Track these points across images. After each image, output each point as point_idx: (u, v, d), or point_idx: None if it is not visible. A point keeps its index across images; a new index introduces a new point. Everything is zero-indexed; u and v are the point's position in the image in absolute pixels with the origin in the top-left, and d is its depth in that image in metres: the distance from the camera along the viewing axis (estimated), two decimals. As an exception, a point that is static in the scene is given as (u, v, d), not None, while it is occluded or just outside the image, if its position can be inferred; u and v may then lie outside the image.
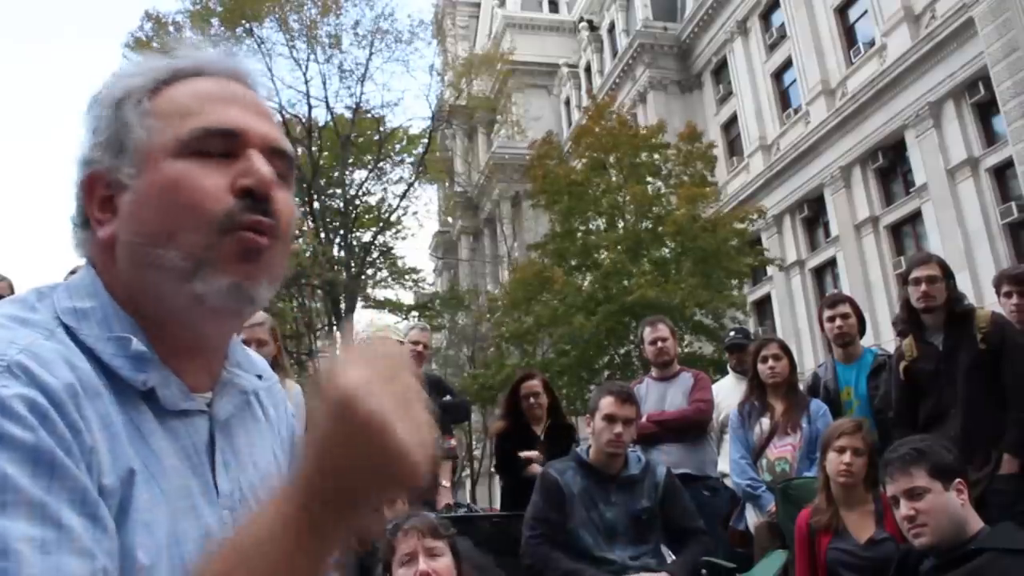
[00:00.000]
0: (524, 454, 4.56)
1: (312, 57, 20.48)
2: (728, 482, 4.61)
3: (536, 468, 3.97)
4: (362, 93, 21.29)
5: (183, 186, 0.73)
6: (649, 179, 18.30)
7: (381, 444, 0.59)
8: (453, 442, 4.40)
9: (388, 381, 0.61)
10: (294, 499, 0.61)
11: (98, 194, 0.76)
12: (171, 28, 19.53)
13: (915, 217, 19.40)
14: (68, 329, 0.71)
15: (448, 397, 5.38)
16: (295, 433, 0.94)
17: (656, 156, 18.54)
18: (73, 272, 4.33)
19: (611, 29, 31.87)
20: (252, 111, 0.79)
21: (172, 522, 0.70)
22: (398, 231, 22.62)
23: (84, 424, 0.63)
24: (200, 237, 0.72)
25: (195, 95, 0.77)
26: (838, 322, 4.37)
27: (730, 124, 26.59)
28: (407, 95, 55.10)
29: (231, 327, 0.81)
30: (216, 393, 0.80)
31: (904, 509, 2.40)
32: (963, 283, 4.14)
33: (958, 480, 2.40)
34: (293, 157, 0.82)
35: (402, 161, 22.91)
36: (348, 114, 21.25)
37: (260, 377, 0.87)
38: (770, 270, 23.10)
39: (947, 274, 3.77)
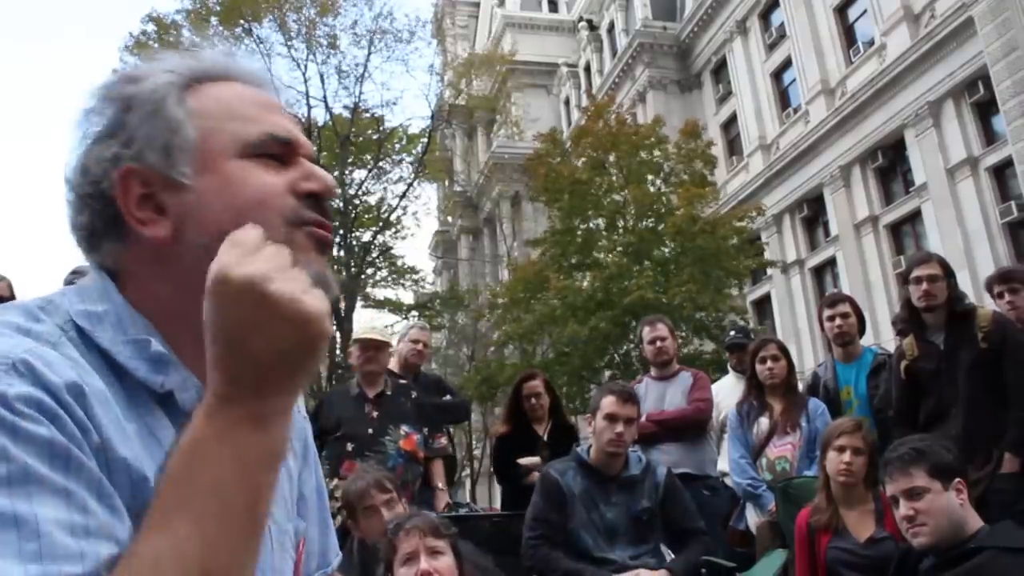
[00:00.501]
0: (523, 461, 4.56)
1: (311, 57, 20.49)
2: (728, 481, 4.62)
3: (536, 476, 3.98)
4: (361, 93, 21.30)
5: (250, 183, 0.74)
6: (650, 177, 18.28)
7: (294, 316, 0.60)
8: (444, 441, 4.40)
9: (269, 259, 0.63)
10: (220, 397, 0.62)
11: (133, 193, 0.74)
12: (171, 29, 19.51)
13: (915, 216, 19.41)
14: (81, 332, 0.70)
15: (448, 397, 5.39)
16: (308, 439, 0.93)
17: (656, 153, 18.52)
18: (75, 272, 4.30)
19: (610, 29, 31.87)
20: (296, 124, 0.81)
21: None
22: (397, 231, 22.63)
23: (92, 423, 0.63)
24: (272, 231, 0.72)
25: (242, 99, 0.79)
26: (838, 321, 4.39)
27: (730, 123, 26.60)
28: (407, 95, 55.23)
29: None
30: None
31: (903, 509, 2.41)
32: (963, 282, 4.17)
33: (957, 480, 2.40)
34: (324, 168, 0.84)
35: (401, 161, 22.91)
36: (347, 114, 21.24)
37: None
38: (770, 269, 23.12)
39: (948, 273, 3.78)
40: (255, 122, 0.77)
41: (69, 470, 0.59)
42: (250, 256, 0.62)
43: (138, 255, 0.75)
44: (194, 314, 0.72)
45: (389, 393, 4.27)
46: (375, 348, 4.30)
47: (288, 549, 0.85)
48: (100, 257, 0.77)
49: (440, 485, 4.35)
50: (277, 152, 0.77)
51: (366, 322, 17.72)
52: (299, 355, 0.62)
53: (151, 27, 19.43)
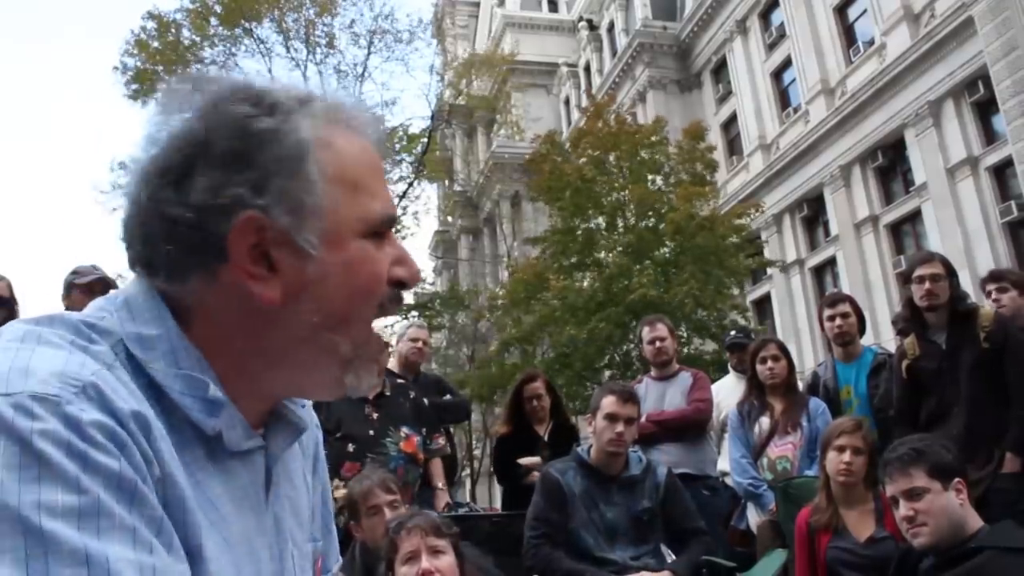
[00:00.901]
0: (524, 461, 4.56)
1: (311, 57, 20.49)
2: (728, 481, 4.62)
3: (536, 476, 3.98)
4: (361, 93, 21.28)
5: (369, 273, 0.71)
6: (650, 176, 18.28)
7: None
8: (442, 441, 4.40)
9: None
10: None
11: (249, 241, 0.68)
12: (171, 28, 19.49)
13: (915, 216, 19.41)
14: (132, 358, 0.67)
15: (448, 396, 5.38)
16: (319, 449, 0.93)
17: (657, 155, 18.52)
18: (76, 273, 4.27)
19: (610, 28, 31.87)
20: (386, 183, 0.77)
21: (236, 571, 0.69)
22: (398, 231, 22.62)
23: (156, 456, 0.62)
24: (365, 327, 0.72)
25: (366, 165, 0.74)
26: (838, 321, 4.39)
27: (730, 123, 26.60)
28: (406, 94, 55.33)
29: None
30: (270, 428, 0.77)
31: (903, 509, 2.41)
32: (963, 282, 4.17)
33: (957, 480, 2.40)
34: None
35: (401, 160, 22.90)
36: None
37: (303, 407, 0.86)
38: (770, 269, 23.11)
39: (950, 272, 3.78)
40: (377, 197, 0.73)
41: (134, 505, 0.58)
42: None
43: (220, 301, 0.70)
44: (260, 374, 0.72)
45: (388, 394, 4.27)
46: None
47: (308, 571, 0.85)
48: (175, 288, 0.70)
49: (440, 485, 4.35)
50: (383, 231, 0.74)
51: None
52: None
53: (151, 24, 19.40)
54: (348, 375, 0.72)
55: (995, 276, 4.47)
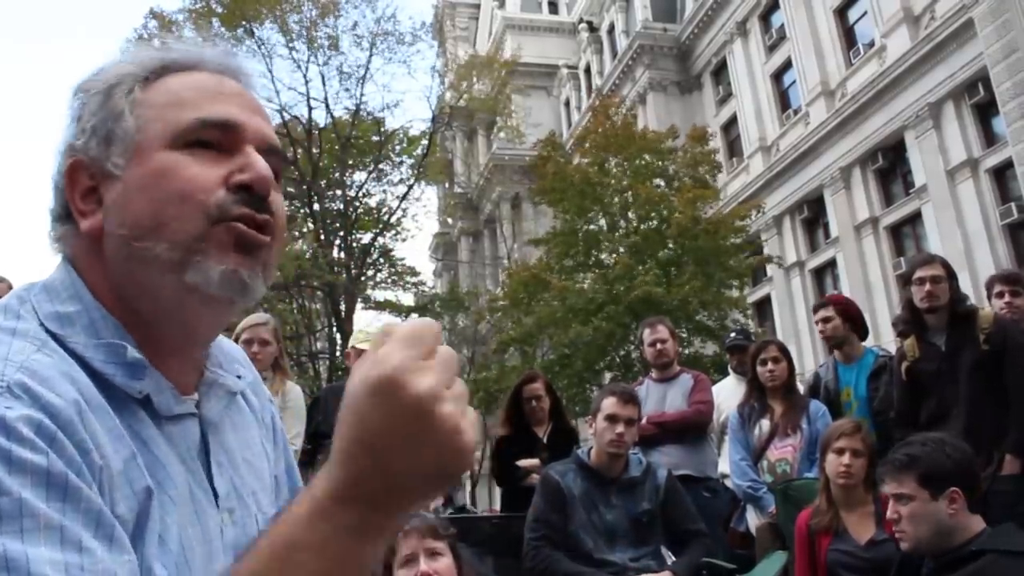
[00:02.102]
0: (523, 463, 4.55)
1: (312, 59, 20.50)
2: (728, 483, 4.61)
3: (535, 478, 3.96)
4: (362, 95, 21.32)
5: (174, 176, 0.71)
6: (658, 181, 18.29)
7: (452, 445, 0.55)
8: None
9: (444, 371, 0.56)
10: (337, 499, 0.56)
11: (81, 184, 0.74)
12: (173, 28, 19.49)
13: (915, 218, 19.41)
14: (54, 336, 0.68)
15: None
16: (276, 420, 0.93)
17: (666, 161, 18.52)
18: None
19: (611, 30, 31.88)
20: (248, 107, 0.78)
21: (181, 530, 0.68)
22: (398, 232, 22.63)
23: (93, 442, 0.61)
24: (191, 227, 0.70)
25: (190, 87, 0.76)
26: (820, 326, 4.45)
27: (730, 125, 26.60)
28: (407, 96, 55.39)
29: (223, 319, 0.79)
30: (202, 394, 0.78)
31: (890, 511, 2.44)
32: (963, 284, 4.17)
33: (952, 489, 2.34)
34: (285, 156, 0.82)
35: (402, 163, 22.92)
36: (347, 116, 21.24)
37: (240, 377, 0.86)
38: (770, 271, 23.10)
39: (950, 274, 3.79)
40: (192, 108, 0.74)
41: (66, 501, 0.57)
42: (422, 361, 0.55)
43: (82, 248, 0.74)
44: (139, 311, 0.73)
45: None
46: None
47: None
48: (58, 245, 0.76)
49: None
50: (214, 139, 0.74)
51: (365, 324, 17.72)
52: (436, 481, 0.57)
53: (153, 23, 19.41)
54: (186, 274, 0.70)
55: (1011, 279, 4.40)
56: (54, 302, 0.71)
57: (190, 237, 0.70)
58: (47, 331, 0.68)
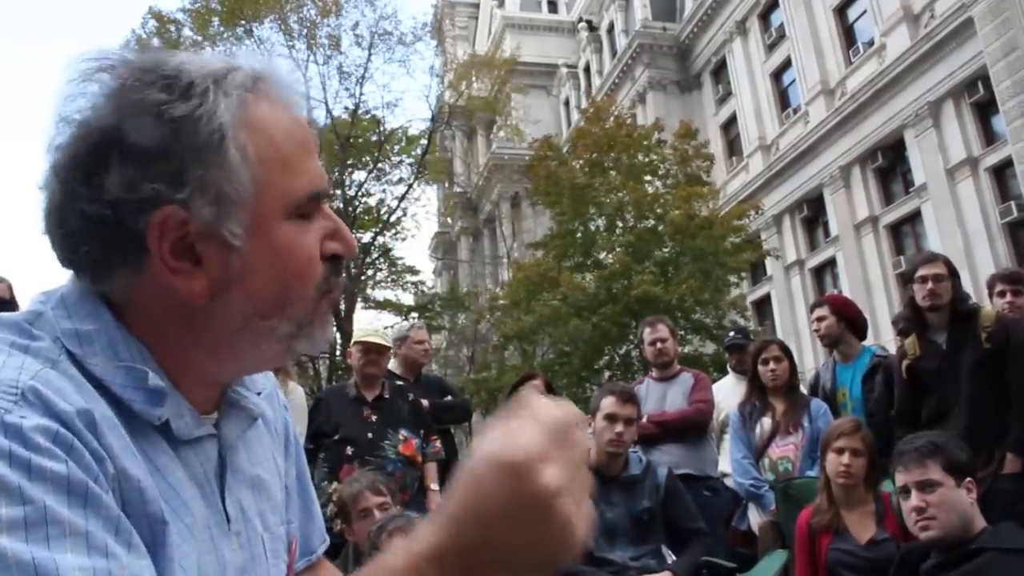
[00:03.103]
0: None
1: (311, 58, 20.49)
2: (729, 482, 4.61)
3: None
4: (361, 94, 21.30)
5: (296, 255, 0.70)
6: (648, 178, 18.29)
7: (562, 539, 0.55)
8: (438, 444, 4.40)
9: (571, 467, 0.55)
10: (436, 561, 0.55)
11: (170, 236, 0.66)
12: (171, 26, 19.48)
13: (915, 217, 19.41)
14: (71, 355, 0.65)
15: (449, 398, 5.37)
16: (289, 429, 0.91)
17: (654, 156, 18.53)
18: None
19: (610, 29, 31.87)
20: (317, 153, 0.74)
21: (199, 557, 0.68)
22: (397, 232, 22.63)
23: (107, 452, 0.61)
24: (308, 305, 0.71)
25: (286, 137, 0.70)
26: (815, 325, 4.47)
27: (729, 124, 26.59)
28: (407, 96, 55.30)
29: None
30: (222, 414, 0.76)
31: (914, 500, 2.41)
32: (963, 283, 4.18)
33: (968, 479, 2.42)
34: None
35: (401, 162, 22.91)
36: (347, 116, 21.24)
37: (259, 393, 0.84)
38: (770, 270, 23.10)
39: (952, 273, 3.79)
40: (302, 174, 0.70)
41: (87, 508, 0.56)
42: (554, 452, 0.54)
43: (148, 295, 0.68)
44: (202, 363, 0.71)
45: (387, 396, 4.26)
46: (377, 351, 4.28)
47: (281, 555, 0.83)
48: (102, 287, 0.69)
49: (434, 487, 4.34)
50: (311, 209, 0.71)
51: (366, 323, 17.72)
52: (537, 566, 0.57)
53: (153, 23, 19.39)
54: (297, 344, 0.73)
55: (1012, 278, 4.39)
56: (72, 318, 0.67)
57: (306, 314, 0.72)
58: (64, 349, 0.65)
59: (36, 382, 0.60)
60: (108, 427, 0.62)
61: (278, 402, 0.90)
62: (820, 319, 4.50)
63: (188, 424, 0.71)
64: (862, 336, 4.65)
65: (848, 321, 4.53)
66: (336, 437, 4.03)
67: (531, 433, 0.54)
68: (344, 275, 0.75)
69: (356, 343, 4.38)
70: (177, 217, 0.65)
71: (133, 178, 0.64)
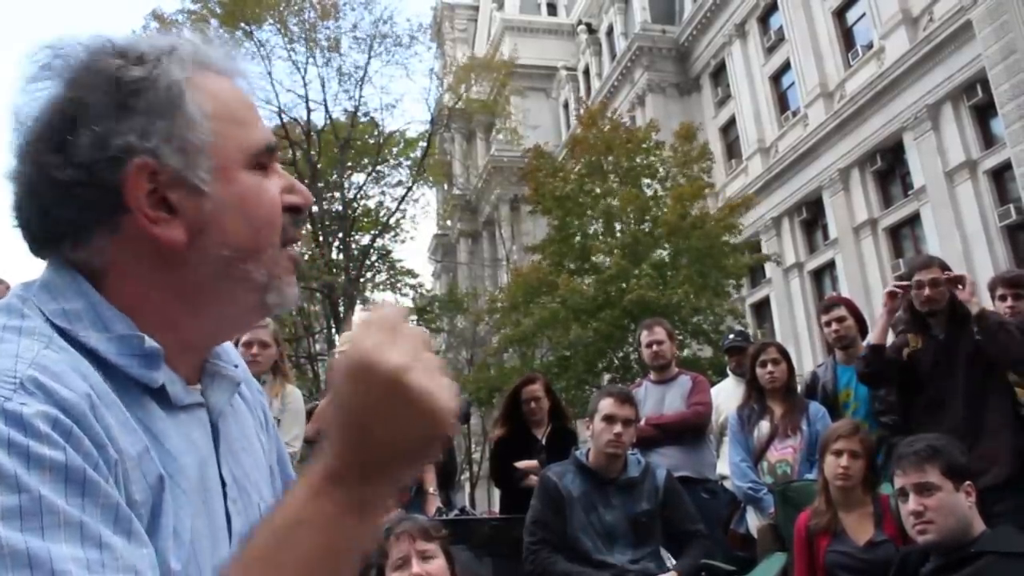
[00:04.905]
0: (521, 464, 4.54)
1: (311, 60, 20.50)
2: (728, 484, 4.60)
3: (534, 479, 3.95)
4: (361, 96, 21.30)
5: (262, 200, 0.74)
6: (646, 181, 18.29)
7: (427, 409, 0.60)
8: None
9: (411, 346, 0.61)
10: (331, 477, 0.60)
11: (142, 187, 0.69)
12: (172, 27, 19.51)
13: (914, 219, 19.41)
14: (62, 332, 0.67)
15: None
16: (267, 411, 0.93)
17: (652, 158, 18.53)
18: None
19: (609, 32, 31.90)
20: (261, 120, 0.80)
21: (192, 521, 0.69)
22: (396, 234, 22.64)
23: (107, 435, 0.61)
24: (274, 252, 0.75)
25: (234, 99, 0.76)
26: (834, 326, 4.40)
27: (728, 127, 26.61)
28: (406, 98, 55.57)
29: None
30: (206, 385, 0.79)
31: (913, 504, 2.40)
32: (962, 285, 4.17)
33: (967, 483, 2.41)
34: None
35: (400, 164, 22.92)
36: (346, 118, 21.25)
37: (236, 366, 0.86)
38: (769, 273, 23.11)
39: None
40: (252, 128, 0.75)
41: (85, 496, 0.57)
42: (390, 341, 0.60)
43: (128, 253, 0.70)
44: (183, 320, 0.73)
45: None
46: None
47: None
48: (81, 255, 0.70)
49: (431, 489, 4.34)
50: (266, 161, 0.76)
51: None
52: (420, 448, 0.62)
53: (154, 25, 19.39)
54: (269, 296, 0.75)
55: (1014, 281, 4.34)
56: (58, 300, 0.69)
57: (273, 262, 0.75)
58: (53, 326, 0.67)
59: (34, 369, 0.60)
60: (107, 404, 0.63)
61: (254, 384, 0.93)
62: (840, 320, 4.40)
63: (179, 390, 0.73)
64: (864, 336, 4.64)
65: (860, 322, 4.52)
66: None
67: (363, 335, 0.61)
68: (302, 226, 0.78)
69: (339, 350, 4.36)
70: (149, 167, 0.69)
71: (102, 136, 0.68)
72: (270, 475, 0.89)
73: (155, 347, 0.69)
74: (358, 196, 22.08)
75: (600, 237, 18.28)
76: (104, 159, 0.67)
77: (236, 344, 1.00)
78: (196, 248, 0.71)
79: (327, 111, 20.88)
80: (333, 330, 20.40)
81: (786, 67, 23.72)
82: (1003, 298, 4.23)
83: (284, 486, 0.93)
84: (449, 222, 36.74)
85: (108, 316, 0.69)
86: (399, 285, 23.06)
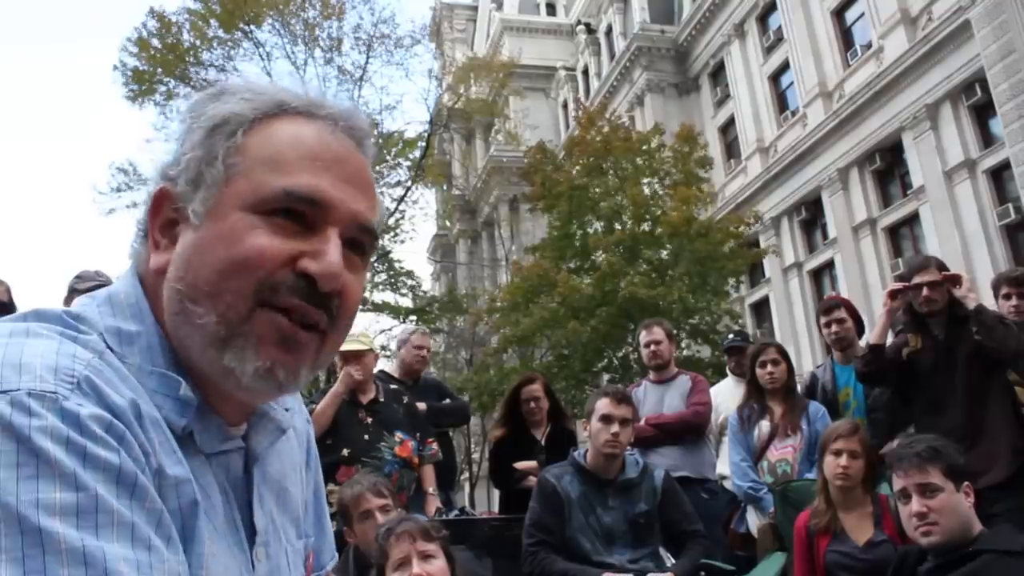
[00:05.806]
0: (520, 465, 4.54)
1: (310, 60, 20.50)
2: (727, 484, 4.61)
3: (533, 480, 3.96)
4: (359, 97, 21.28)
5: (240, 242, 0.67)
6: (646, 180, 18.29)
7: None
8: (435, 447, 4.39)
9: None
10: None
11: (164, 214, 0.72)
12: (172, 27, 19.45)
13: (913, 219, 19.41)
14: (112, 351, 0.67)
15: (448, 400, 5.37)
16: (311, 442, 0.92)
17: (653, 160, 18.54)
18: (79, 278, 4.26)
19: (608, 32, 31.90)
20: (349, 178, 0.71)
21: (223, 558, 0.69)
22: (395, 235, 22.62)
23: (151, 446, 0.62)
24: (241, 304, 0.66)
25: (292, 143, 0.70)
26: (834, 328, 4.41)
27: (728, 127, 26.61)
28: (405, 99, 55.43)
29: (262, 401, 0.76)
30: (252, 426, 0.77)
31: (915, 505, 2.40)
32: (961, 285, 4.15)
33: (966, 484, 2.42)
34: (377, 235, 0.75)
35: (399, 165, 22.90)
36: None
37: (287, 409, 0.84)
38: (768, 272, 23.10)
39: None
40: (285, 173, 0.69)
41: (134, 499, 0.58)
42: None
43: (148, 269, 0.73)
44: (197, 359, 0.70)
45: (382, 399, 4.25)
46: (354, 358, 4.25)
47: (300, 567, 0.84)
48: (132, 259, 0.75)
49: (431, 490, 4.34)
50: (300, 211, 0.68)
51: (364, 327, 17.71)
52: None
53: (153, 23, 19.35)
54: (226, 355, 0.67)
55: (1019, 280, 4.31)
56: (117, 316, 0.70)
57: (238, 316, 0.67)
58: (105, 344, 0.67)
59: (90, 371, 0.61)
60: (151, 422, 0.64)
61: (304, 413, 0.91)
62: (840, 321, 4.41)
63: (212, 438, 0.71)
64: (862, 336, 4.64)
65: (859, 322, 4.52)
66: (329, 441, 4.02)
67: None
68: (318, 303, 0.68)
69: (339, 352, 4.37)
70: (167, 194, 0.72)
71: (161, 160, 0.75)
72: (303, 510, 0.87)
73: (189, 396, 0.68)
74: (357, 196, 22.02)
75: (600, 235, 18.29)
76: (155, 177, 0.74)
77: None
78: (166, 279, 0.70)
79: (326, 111, 20.84)
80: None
81: (785, 67, 23.71)
82: (1007, 297, 4.21)
83: (317, 519, 0.92)
84: (448, 223, 36.74)
85: (158, 348, 0.69)
86: (399, 285, 23.05)
